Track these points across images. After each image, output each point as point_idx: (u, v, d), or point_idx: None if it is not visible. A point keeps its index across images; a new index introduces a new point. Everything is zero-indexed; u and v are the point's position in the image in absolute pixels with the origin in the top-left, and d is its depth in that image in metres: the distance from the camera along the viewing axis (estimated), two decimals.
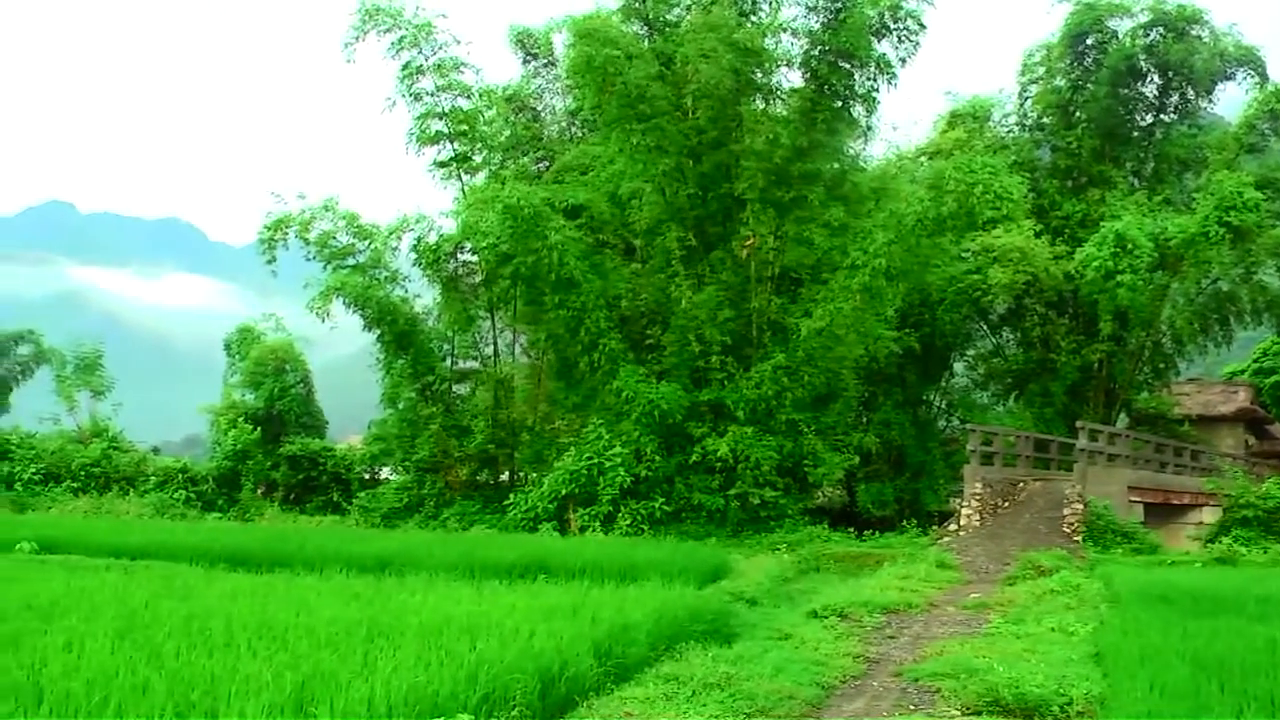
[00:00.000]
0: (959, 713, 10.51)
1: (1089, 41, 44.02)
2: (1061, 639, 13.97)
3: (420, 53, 38.82)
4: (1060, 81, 45.18)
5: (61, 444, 45.98)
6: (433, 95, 39.53)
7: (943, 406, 47.25)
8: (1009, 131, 47.19)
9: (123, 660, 9.01)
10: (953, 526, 31.77)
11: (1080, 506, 29.16)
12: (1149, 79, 44.42)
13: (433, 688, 8.52)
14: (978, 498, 31.35)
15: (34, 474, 43.60)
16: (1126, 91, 44.27)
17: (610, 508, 32.70)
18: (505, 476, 40.56)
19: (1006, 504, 32.64)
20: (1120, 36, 43.81)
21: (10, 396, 69.91)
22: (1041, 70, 45.93)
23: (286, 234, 39.55)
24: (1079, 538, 28.26)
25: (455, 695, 8.58)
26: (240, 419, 45.94)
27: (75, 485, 43.23)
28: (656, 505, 32.89)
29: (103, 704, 7.82)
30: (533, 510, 33.49)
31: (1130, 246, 34.79)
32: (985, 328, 47.33)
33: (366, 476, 45.93)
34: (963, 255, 40.73)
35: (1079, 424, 33.33)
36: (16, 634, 10.47)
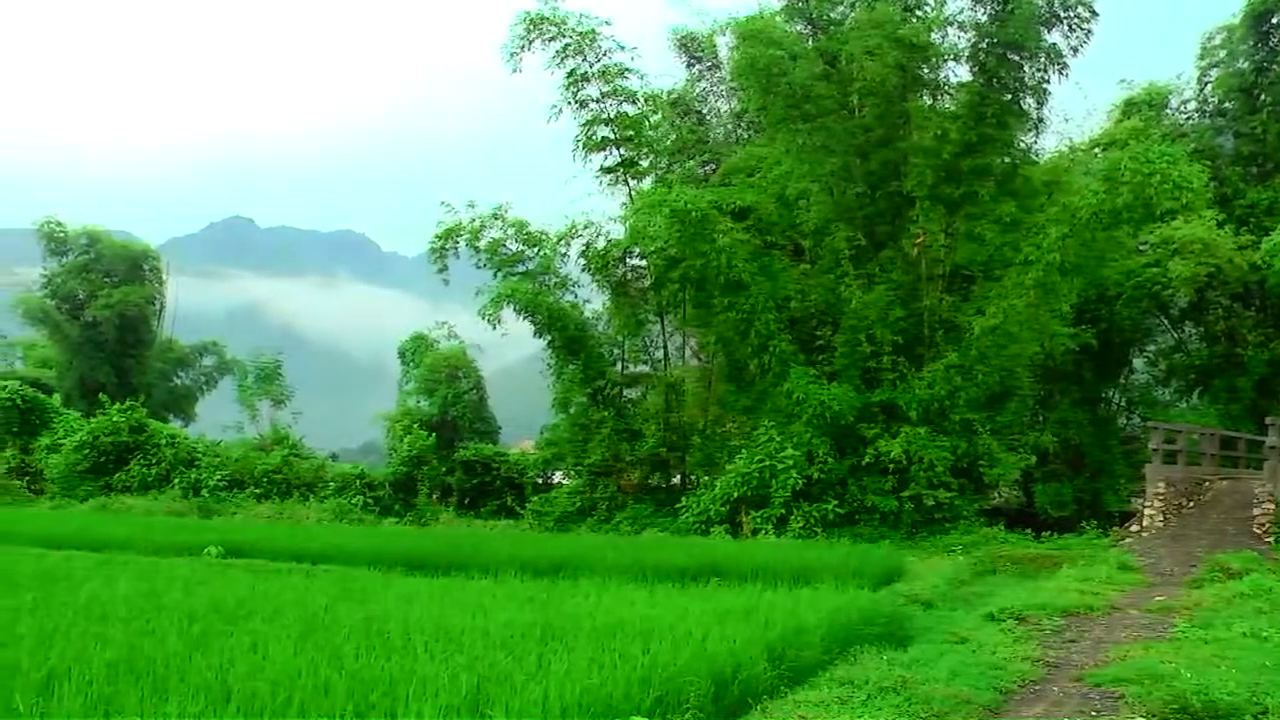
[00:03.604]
0: None
1: (1274, 20, 42.22)
2: (1254, 645, 13.48)
3: (584, 60, 39.00)
4: (1243, 64, 43.33)
5: (244, 451, 47.53)
6: (598, 101, 39.70)
7: (1122, 404, 45.90)
8: (1188, 118, 45.54)
9: (305, 661, 9.30)
10: (1134, 527, 30.94)
11: (1271, 506, 28.04)
12: None
13: (606, 690, 8.61)
14: (1160, 497, 30.45)
15: (219, 481, 45.10)
16: None
17: (782, 510, 32.49)
18: (677, 480, 40.39)
19: (1191, 504, 31.64)
20: None
21: (196, 406, 73.31)
22: (1222, 53, 44.18)
23: (457, 243, 40.20)
24: (1270, 539, 27.15)
25: (628, 697, 8.67)
26: (415, 425, 46.89)
27: (258, 491, 44.54)
28: (829, 507, 32.54)
29: (286, 704, 8.08)
30: (705, 513, 33.43)
31: None
32: (1166, 322, 45.76)
33: (539, 481, 46.26)
34: (1140, 248, 39.54)
35: (1269, 420, 31.92)
36: (205, 635, 10.89)
